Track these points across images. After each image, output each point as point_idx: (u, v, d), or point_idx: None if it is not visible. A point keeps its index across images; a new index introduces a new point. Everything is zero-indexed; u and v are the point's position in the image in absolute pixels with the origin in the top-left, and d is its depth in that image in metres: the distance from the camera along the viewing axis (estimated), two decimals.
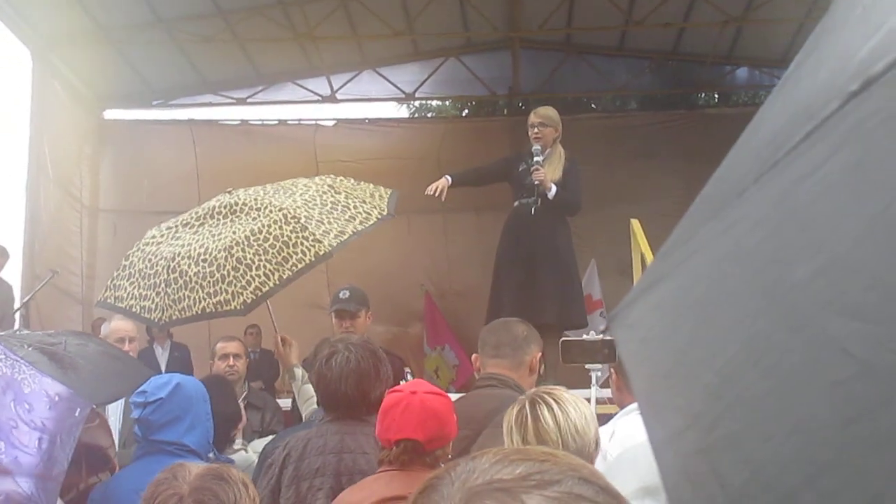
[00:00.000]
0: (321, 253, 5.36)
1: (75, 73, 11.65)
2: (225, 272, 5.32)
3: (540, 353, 4.41)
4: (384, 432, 3.36)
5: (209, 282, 5.34)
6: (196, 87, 12.98)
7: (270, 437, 5.14)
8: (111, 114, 12.98)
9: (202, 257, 5.41)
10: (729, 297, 0.81)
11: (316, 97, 13.17)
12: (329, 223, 5.52)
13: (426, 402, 3.34)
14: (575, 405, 3.06)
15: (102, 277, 9.85)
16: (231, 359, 6.63)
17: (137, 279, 5.69)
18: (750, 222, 0.83)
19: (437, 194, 7.79)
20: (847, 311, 0.67)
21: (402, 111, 15.19)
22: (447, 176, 7.84)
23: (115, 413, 6.21)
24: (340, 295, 6.11)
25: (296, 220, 5.45)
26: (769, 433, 0.69)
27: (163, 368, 9.17)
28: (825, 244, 0.71)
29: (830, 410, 0.65)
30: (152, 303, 5.55)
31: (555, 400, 3.06)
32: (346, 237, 5.49)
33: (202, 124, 12.95)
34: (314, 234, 5.39)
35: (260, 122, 13.29)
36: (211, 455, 4.07)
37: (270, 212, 5.52)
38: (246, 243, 5.38)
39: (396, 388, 3.55)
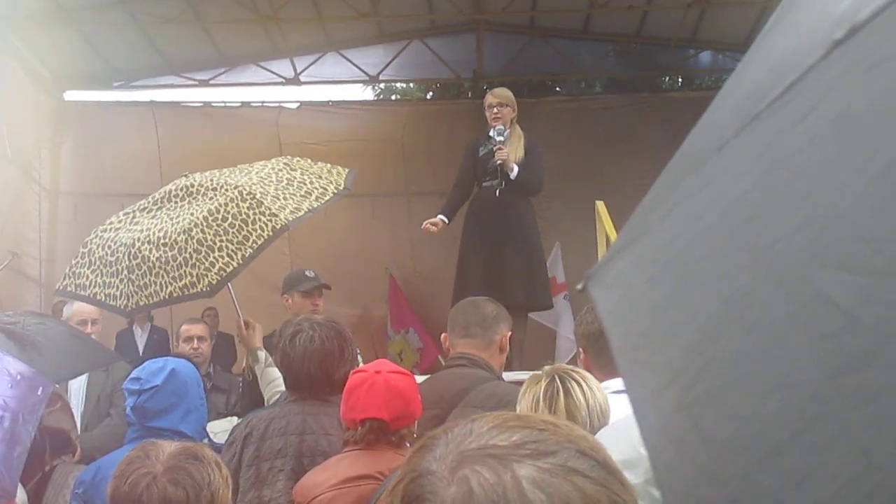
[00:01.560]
0: (278, 227, 5.37)
1: (35, 54, 11.48)
2: (187, 255, 5.31)
3: (509, 333, 4.42)
4: (349, 412, 3.34)
5: (172, 266, 5.33)
6: (158, 69, 12.84)
7: (229, 419, 5.12)
8: (72, 95, 12.79)
9: (162, 241, 5.39)
10: (710, 251, 0.79)
11: (279, 79, 13.08)
12: (285, 198, 5.54)
13: (390, 381, 3.34)
14: (598, 386, 3.09)
15: (62, 260, 9.73)
16: (196, 341, 6.62)
17: (99, 266, 5.65)
18: (731, 176, 0.81)
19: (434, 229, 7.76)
20: (834, 264, 0.66)
21: (366, 93, 15.14)
22: (441, 217, 7.80)
23: (77, 396, 6.16)
24: (307, 273, 6.10)
25: (251, 196, 5.45)
26: (753, 388, 0.68)
27: (140, 350, 9.14)
28: (810, 196, 0.70)
29: (816, 364, 0.64)
30: (117, 290, 5.52)
31: (582, 378, 3.09)
32: (302, 213, 5.51)
33: (164, 106, 12.81)
34: (270, 209, 5.39)
35: (223, 105, 13.17)
36: (205, 441, 4.04)
37: (226, 190, 5.52)
38: (205, 224, 5.37)
39: (360, 368, 3.55)
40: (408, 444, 3.53)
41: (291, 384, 4.05)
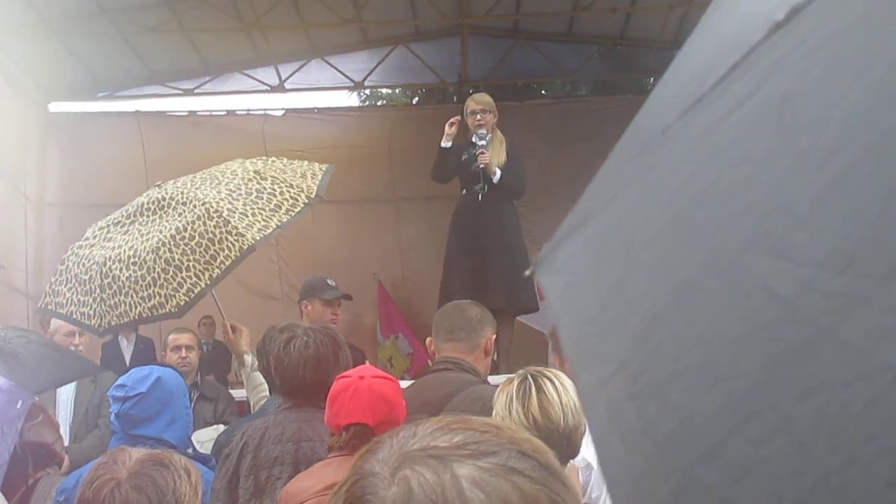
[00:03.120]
0: (245, 247, 5.38)
1: (18, 66, 11.42)
2: (155, 275, 5.35)
3: (494, 336, 4.42)
4: (333, 418, 3.33)
5: (141, 286, 5.37)
6: (142, 79, 12.79)
7: (215, 427, 5.11)
8: (56, 106, 12.73)
9: (132, 260, 5.42)
10: (654, 238, 0.77)
11: (264, 87, 13.05)
12: (253, 214, 5.54)
13: (374, 387, 3.33)
14: (571, 384, 3.10)
15: (49, 272, 9.68)
16: (183, 350, 6.60)
17: (74, 284, 5.70)
18: (674, 160, 0.79)
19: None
20: (774, 252, 0.64)
21: (351, 100, 15.11)
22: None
23: (65, 407, 6.15)
24: (329, 282, 6.09)
25: (218, 214, 5.45)
26: (696, 379, 0.66)
27: (127, 361, 9.09)
28: (752, 183, 0.68)
29: (756, 355, 0.62)
30: (90, 308, 5.57)
31: (555, 376, 3.09)
32: (270, 230, 5.52)
33: (149, 116, 12.76)
34: (237, 228, 5.40)
35: (208, 113, 13.11)
36: (190, 451, 4.01)
37: (195, 207, 5.53)
38: (172, 243, 5.40)
39: (344, 374, 3.54)
40: None
41: (286, 391, 4.03)
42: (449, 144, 7.76)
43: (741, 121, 0.72)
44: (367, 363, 5.95)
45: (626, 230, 0.83)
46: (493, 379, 4.64)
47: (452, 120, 7.76)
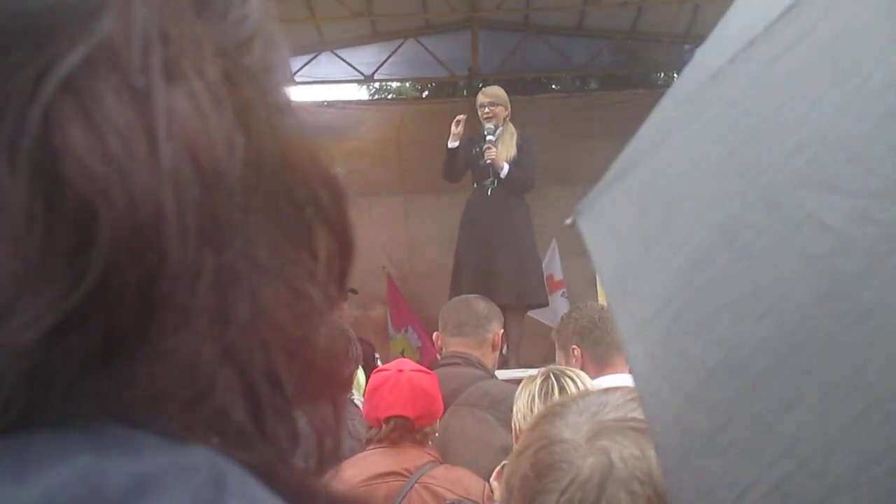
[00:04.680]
0: None
1: None
2: None
3: (502, 330, 4.41)
4: (373, 411, 3.35)
5: None
6: None
7: None
8: None
9: None
10: (701, 179, 0.77)
11: None
12: None
13: (414, 380, 3.35)
14: (591, 384, 3.16)
15: None
16: None
17: None
18: (724, 103, 0.79)
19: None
20: (827, 186, 0.64)
21: (361, 93, 15.09)
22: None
23: None
24: None
25: None
26: (742, 314, 0.66)
27: None
28: (803, 120, 0.68)
29: (807, 288, 0.62)
30: None
31: (577, 376, 3.14)
32: None
33: None
34: None
35: None
36: None
37: None
38: None
39: (382, 367, 3.54)
40: (430, 443, 3.54)
41: None
42: (456, 144, 7.73)
43: (794, 60, 0.71)
44: (378, 357, 5.94)
45: (671, 174, 0.83)
46: (501, 374, 4.64)
47: (458, 118, 7.71)
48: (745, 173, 0.73)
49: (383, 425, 3.30)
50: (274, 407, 0.54)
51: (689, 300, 0.73)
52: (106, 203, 0.45)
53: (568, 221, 0.96)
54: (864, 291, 0.59)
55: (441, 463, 3.51)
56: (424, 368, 3.62)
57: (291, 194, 0.55)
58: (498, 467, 3.13)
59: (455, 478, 3.42)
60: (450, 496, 3.31)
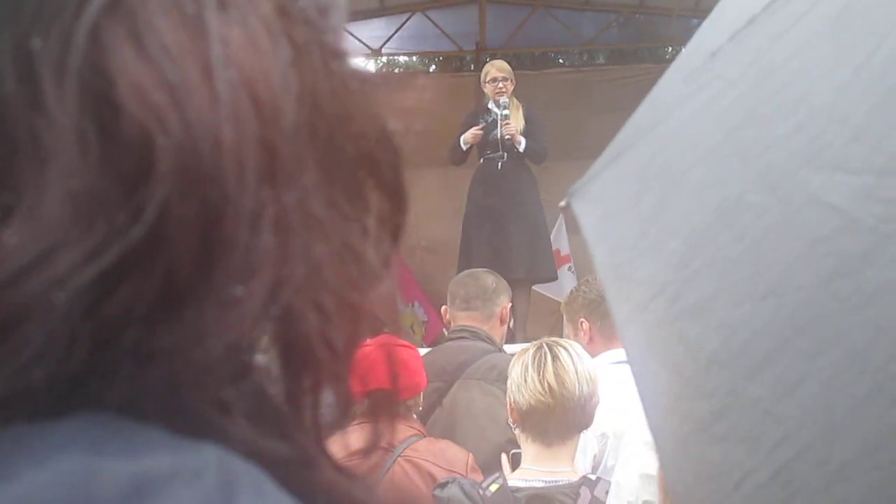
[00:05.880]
0: None
1: None
2: None
3: (510, 304, 4.43)
4: (355, 386, 3.34)
5: None
6: None
7: None
8: None
9: None
10: (699, 160, 0.75)
11: None
12: None
13: (394, 354, 3.35)
14: (586, 354, 3.17)
15: None
16: None
17: None
18: (723, 82, 0.77)
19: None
20: (830, 165, 0.62)
21: (368, 67, 15.05)
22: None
23: None
24: None
25: None
26: (742, 297, 0.64)
27: None
28: (806, 99, 0.66)
29: (810, 269, 0.60)
30: None
31: (571, 346, 3.14)
32: None
33: None
34: None
35: None
36: None
37: None
38: None
39: (363, 343, 3.54)
40: (414, 416, 3.54)
41: None
42: (467, 147, 7.70)
43: (797, 37, 0.69)
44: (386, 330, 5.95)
45: (668, 155, 0.81)
46: (508, 348, 4.64)
47: (477, 131, 7.64)
48: (744, 153, 0.71)
49: (365, 399, 3.30)
50: (316, 384, 0.52)
51: (686, 283, 0.71)
52: (164, 131, 0.42)
53: (562, 203, 0.94)
54: (870, 271, 0.57)
55: (424, 436, 3.51)
56: (405, 342, 3.63)
57: (346, 147, 0.52)
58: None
59: (438, 450, 3.43)
60: (433, 469, 3.32)
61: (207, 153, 0.43)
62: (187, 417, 0.45)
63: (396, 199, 0.57)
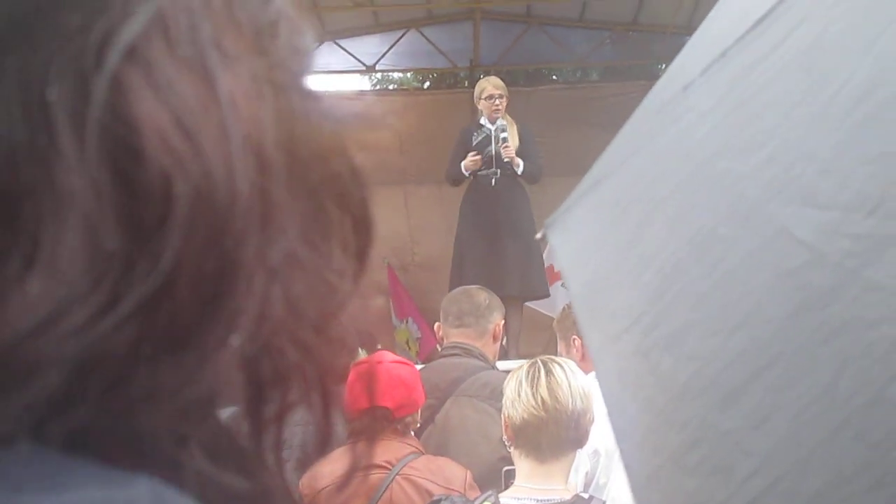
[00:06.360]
0: None
1: None
2: None
3: (503, 321, 4.42)
4: (352, 403, 3.33)
5: None
6: None
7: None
8: None
9: None
10: (673, 192, 0.76)
11: None
12: None
13: (392, 371, 3.36)
14: (580, 371, 3.15)
15: None
16: None
17: None
18: (696, 113, 0.78)
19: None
20: (799, 198, 0.63)
21: (363, 83, 15.07)
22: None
23: None
24: None
25: None
26: (714, 328, 0.65)
27: None
28: (776, 132, 0.67)
29: (779, 301, 0.61)
30: None
31: (565, 363, 3.14)
32: None
33: None
34: None
35: None
36: None
37: None
38: None
39: (361, 360, 3.54)
40: (412, 433, 3.54)
41: None
42: (469, 173, 7.71)
43: (767, 71, 0.70)
44: (380, 347, 5.95)
45: (642, 187, 0.82)
46: (501, 364, 4.64)
47: (475, 158, 7.64)
48: (716, 185, 0.72)
49: (363, 417, 3.30)
50: (280, 420, 0.53)
51: (659, 315, 0.72)
52: (184, 177, 0.42)
53: (538, 236, 0.94)
54: (836, 306, 0.58)
55: (423, 453, 3.50)
56: (404, 359, 3.63)
57: (320, 183, 0.54)
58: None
59: (436, 468, 3.42)
60: (431, 487, 3.32)
61: (223, 202, 0.44)
62: (141, 450, 0.45)
63: (364, 228, 0.58)
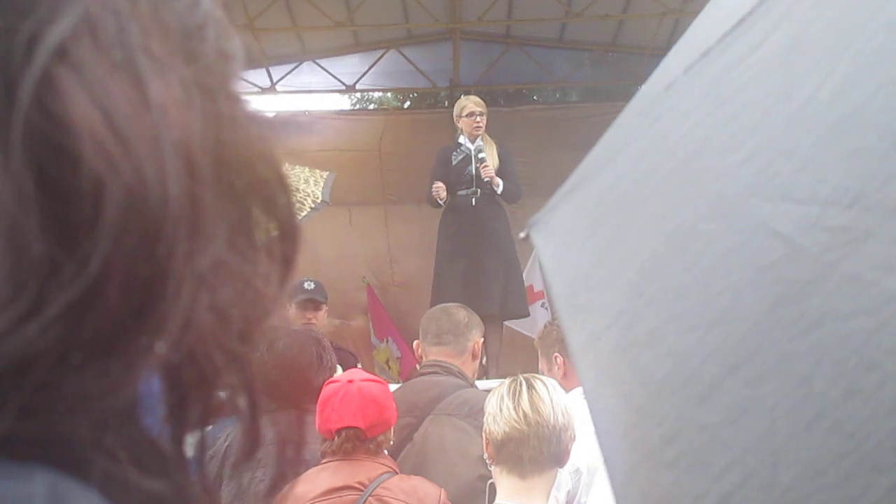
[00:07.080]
0: None
1: None
2: None
3: (482, 339, 4.42)
4: (325, 423, 3.33)
5: None
6: None
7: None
8: None
9: None
10: (653, 190, 0.77)
11: (256, 89, 13.00)
12: None
13: (363, 390, 3.34)
14: (562, 390, 3.17)
15: None
16: None
17: None
18: (677, 112, 0.79)
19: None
20: (778, 194, 0.63)
21: (343, 103, 15.10)
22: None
23: None
24: (305, 285, 6.06)
25: None
26: (692, 324, 0.65)
27: None
28: (756, 129, 0.67)
29: (757, 296, 0.61)
30: None
31: (546, 380, 3.17)
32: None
33: None
34: None
35: None
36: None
37: None
38: None
39: (333, 379, 3.54)
40: (385, 452, 3.52)
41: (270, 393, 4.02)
42: (443, 201, 7.74)
43: (747, 70, 0.71)
44: (360, 366, 5.94)
45: (625, 186, 0.82)
46: (481, 383, 4.63)
47: (440, 186, 7.67)
48: (696, 183, 0.73)
49: (335, 437, 3.29)
50: (203, 423, 0.52)
51: (639, 312, 0.72)
52: (118, 181, 0.41)
53: (521, 235, 0.95)
54: (814, 299, 0.58)
55: (396, 473, 3.49)
56: (375, 377, 3.63)
57: (247, 188, 0.53)
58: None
59: (409, 487, 3.41)
60: None
61: (154, 207, 0.43)
62: (48, 446, 0.44)
63: (290, 234, 0.58)
